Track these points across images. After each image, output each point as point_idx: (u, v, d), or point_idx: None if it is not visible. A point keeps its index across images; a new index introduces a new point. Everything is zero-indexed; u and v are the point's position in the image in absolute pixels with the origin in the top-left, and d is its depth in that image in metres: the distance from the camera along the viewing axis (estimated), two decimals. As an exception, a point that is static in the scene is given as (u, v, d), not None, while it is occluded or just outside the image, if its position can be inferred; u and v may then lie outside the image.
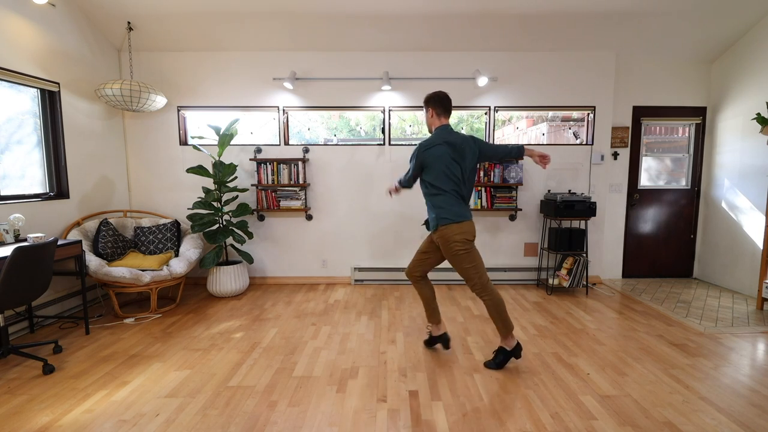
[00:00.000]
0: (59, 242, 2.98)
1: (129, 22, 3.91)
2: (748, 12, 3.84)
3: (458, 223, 2.43)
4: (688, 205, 4.78)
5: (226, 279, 4.01)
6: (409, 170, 2.62)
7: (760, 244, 3.97)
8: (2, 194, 3.10)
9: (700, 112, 4.65)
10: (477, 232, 4.56)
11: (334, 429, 1.94)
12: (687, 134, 4.77)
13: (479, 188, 4.40)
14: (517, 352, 2.53)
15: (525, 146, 2.64)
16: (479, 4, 3.66)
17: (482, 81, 4.17)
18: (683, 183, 4.80)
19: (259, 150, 4.43)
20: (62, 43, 3.54)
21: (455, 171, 2.47)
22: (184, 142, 4.46)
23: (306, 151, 4.44)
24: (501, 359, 2.54)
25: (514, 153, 2.64)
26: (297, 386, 2.34)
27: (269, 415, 2.06)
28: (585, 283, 4.19)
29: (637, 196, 4.74)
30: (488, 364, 2.56)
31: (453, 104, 4.38)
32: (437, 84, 4.35)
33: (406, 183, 2.67)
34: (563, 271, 4.17)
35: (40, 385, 2.37)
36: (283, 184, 4.35)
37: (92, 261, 3.30)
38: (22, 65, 3.17)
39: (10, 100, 3.21)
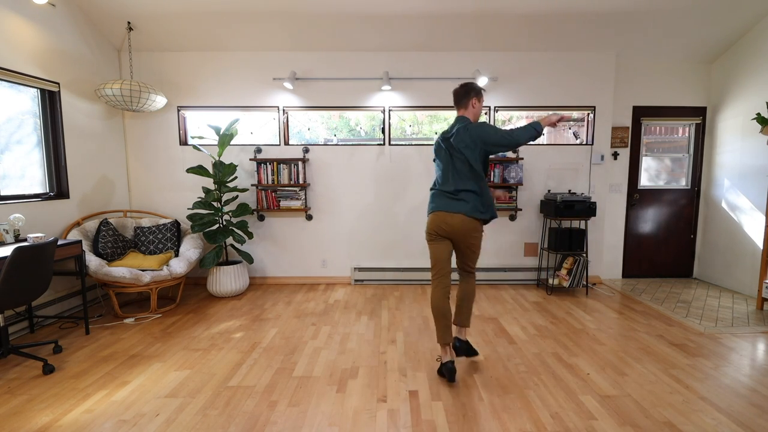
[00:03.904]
0: (59, 242, 2.98)
1: (129, 22, 3.91)
2: (748, 12, 3.84)
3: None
4: (688, 205, 4.78)
5: (226, 279, 4.01)
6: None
7: (760, 244, 3.97)
8: (2, 194, 3.10)
9: (700, 112, 4.65)
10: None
11: (334, 429, 1.94)
12: (687, 134, 4.77)
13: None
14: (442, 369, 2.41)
15: (537, 122, 2.32)
16: (479, 4, 3.66)
17: (482, 81, 4.17)
18: (683, 183, 4.80)
19: (259, 150, 4.43)
20: (62, 43, 3.54)
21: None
22: (184, 142, 4.46)
23: (306, 151, 4.44)
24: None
25: (529, 135, 2.28)
26: (297, 386, 2.34)
27: (269, 415, 2.06)
28: (585, 283, 4.19)
29: (637, 196, 4.74)
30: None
31: (452, 104, 4.40)
32: (437, 84, 4.36)
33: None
34: (563, 271, 4.17)
35: (40, 385, 2.37)
36: (283, 184, 4.35)
37: (92, 261, 3.30)
38: (22, 65, 3.17)
39: (10, 100, 3.21)
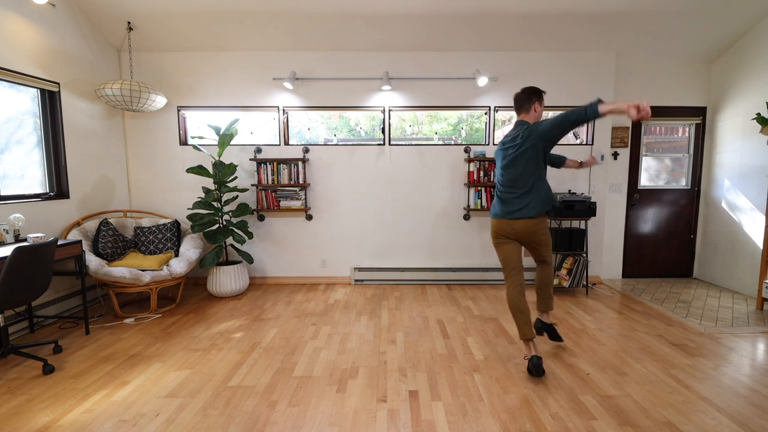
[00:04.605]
0: (59, 242, 2.98)
1: (129, 22, 3.91)
2: (748, 12, 3.84)
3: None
4: (688, 205, 4.78)
5: (226, 279, 4.01)
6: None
7: (760, 244, 3.97)
8: (2, 194, 3.10)
9: (700, 112, 4.65)
10: (476, 231, 4.56)
11: (334, 429, 1.94)
12: (687, 134, 4.77)
13: (479, 188, 4.40)
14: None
15: (600, 103, 2.08)
16: (479, 4, 3.66)
17: (482, 81, 4.17)
18: (683, 183, 4.80)
19: (259, 150, 4.42)
20: (62, 43, 3.54)
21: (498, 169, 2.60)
22: (184, 142, 4.46)
23: (306, 151, 4.44)
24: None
25: (588, 114, 2.11)
26: (297, 386, 2.34)
27: (269, 415, 2.06)
28: (585, 283, 4.19)
29: (637, 196, 4.74)
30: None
31: (452, 104, 4.43)
32: (437, 84, 4.36)
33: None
34: (563, 271, 4.17)
35: (40, 385, 2.37)
36: (283, 184, 4.35)
37: (92, 261, 3.30)
38: (22, 65, 3.17)
39: (10, 100, 3.21)
